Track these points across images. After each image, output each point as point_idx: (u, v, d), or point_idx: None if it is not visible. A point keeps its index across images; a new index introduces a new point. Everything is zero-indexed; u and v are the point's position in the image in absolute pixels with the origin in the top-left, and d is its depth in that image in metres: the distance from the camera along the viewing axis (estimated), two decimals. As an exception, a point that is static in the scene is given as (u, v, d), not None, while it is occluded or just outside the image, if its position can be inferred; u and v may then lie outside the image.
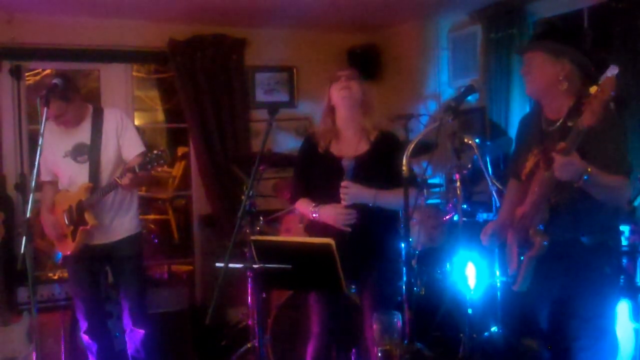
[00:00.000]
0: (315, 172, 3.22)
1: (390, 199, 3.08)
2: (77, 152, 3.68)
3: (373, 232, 3.11)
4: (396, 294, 3.23)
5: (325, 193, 3.10)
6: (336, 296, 3.10)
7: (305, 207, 3.18)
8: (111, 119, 3.72)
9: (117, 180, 3.46)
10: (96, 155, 3.65)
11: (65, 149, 3.69)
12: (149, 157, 3.43)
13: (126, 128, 3.73)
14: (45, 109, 3.23)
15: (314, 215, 3.11)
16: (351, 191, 3.00)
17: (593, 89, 2.32)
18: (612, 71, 2.33)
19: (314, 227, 3.21)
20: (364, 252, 3.05)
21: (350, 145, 3.19)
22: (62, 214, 3.72)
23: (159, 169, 3.59)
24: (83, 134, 3.69)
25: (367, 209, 3.05)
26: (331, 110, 3.23)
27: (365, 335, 3.12)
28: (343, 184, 3.00)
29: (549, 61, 2.70)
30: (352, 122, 3.20)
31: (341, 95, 3.14)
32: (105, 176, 3.66)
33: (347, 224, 3.02)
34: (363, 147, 3.18)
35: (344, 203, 3.01)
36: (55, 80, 3.43)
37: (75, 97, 3.63)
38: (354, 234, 3.00)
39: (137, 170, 3.42)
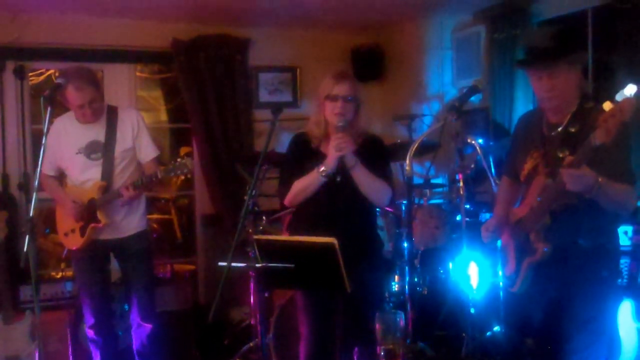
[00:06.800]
0: (307, 168, 3.13)
1: (367, 175, 3.06)
2: (90, 150, 3.69)
3: (358, 230, 3.09)
4: (382, 289, 3.17)
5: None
6: (324, 297, 3.04)
7: (307, 177, 3.10)
8: (127, 120, 3.75)
9: (122, 191, 3.55)
10: (110, 154, 3.68)
11: (79, 146, 3.69)
12: (172, 166, 3.49)
13: (142, 131, 3.77)
14: (49, 108, 3.23)
15: (322, 168, 3.03)
16: (344, 140, 2.96)
17: (607, 106, 2.22)
18: (631, 90, 2.21)
19: (296, 227, 3.22)
20: (350, 250, 2.83)
21: None
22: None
23: (182, 177, 3.65)
24: (98, 132, 3.70)
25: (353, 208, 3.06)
26: (324, 122, 3.14)
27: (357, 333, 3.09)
28: (339, 134, 2.98)
29: (570, 73, 2.59)
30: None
31: (335, 120, 3.06)
32: (117, 175, 3.70)
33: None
34: None
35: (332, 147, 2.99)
36: (59, 80, 3.45)
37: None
38: (340, 233, 2.79)
39: (159, 176, 3.51)
